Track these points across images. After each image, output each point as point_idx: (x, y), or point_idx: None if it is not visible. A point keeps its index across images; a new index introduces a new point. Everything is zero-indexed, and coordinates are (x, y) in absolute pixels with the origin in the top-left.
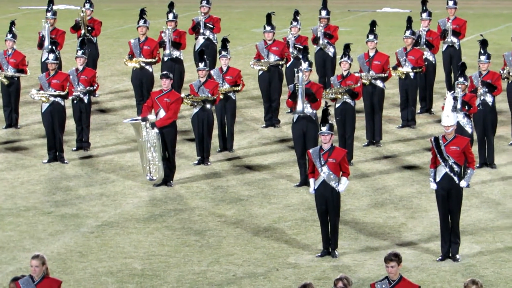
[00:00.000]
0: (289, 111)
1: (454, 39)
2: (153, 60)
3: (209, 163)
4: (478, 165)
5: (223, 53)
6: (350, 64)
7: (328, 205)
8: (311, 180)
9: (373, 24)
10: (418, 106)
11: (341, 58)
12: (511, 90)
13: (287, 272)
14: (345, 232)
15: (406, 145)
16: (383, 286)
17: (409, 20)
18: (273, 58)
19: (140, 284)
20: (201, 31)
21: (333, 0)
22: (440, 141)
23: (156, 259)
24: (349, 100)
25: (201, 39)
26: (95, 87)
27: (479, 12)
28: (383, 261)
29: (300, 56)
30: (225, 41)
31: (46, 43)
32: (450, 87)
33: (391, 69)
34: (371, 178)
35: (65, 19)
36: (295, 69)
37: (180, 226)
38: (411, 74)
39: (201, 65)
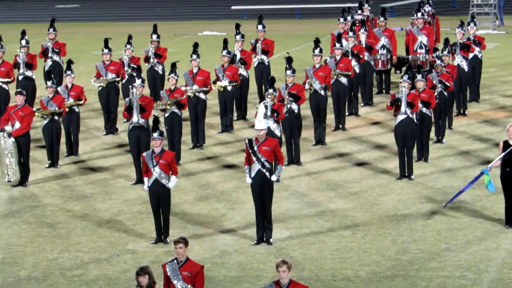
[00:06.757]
0: (125, 120)
1: (264, 57)
2: (9, 79)
3: (58, 166)
4: (286, 162)
5: (68, 72)
6: (177, 80)
7: (160, 199)
8: (145, 179)
9: (195, 45)
10: (235, 114)
11: (169, 74)
12: (313, 99)
13: (127, 257)
14: (175, 222)
15: (226, 147)
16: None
17: (225, 42)
18: (110, 76)
19: (1, 271)
20: (50, 54)
21: (161, 25)
22: (253, 143)
23: (15, 248)
24: (176, 110)
25: (49, 61)
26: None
27: (285, 33)
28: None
29: (134, 74)
30: (70, 63)
31: (21, 68)
32: (262, 97)
33: (211, 83)
34: (196, 176)
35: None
36: (129, 86)
37: (34, 220)
38: (229, 87)
39: (49, 83)
